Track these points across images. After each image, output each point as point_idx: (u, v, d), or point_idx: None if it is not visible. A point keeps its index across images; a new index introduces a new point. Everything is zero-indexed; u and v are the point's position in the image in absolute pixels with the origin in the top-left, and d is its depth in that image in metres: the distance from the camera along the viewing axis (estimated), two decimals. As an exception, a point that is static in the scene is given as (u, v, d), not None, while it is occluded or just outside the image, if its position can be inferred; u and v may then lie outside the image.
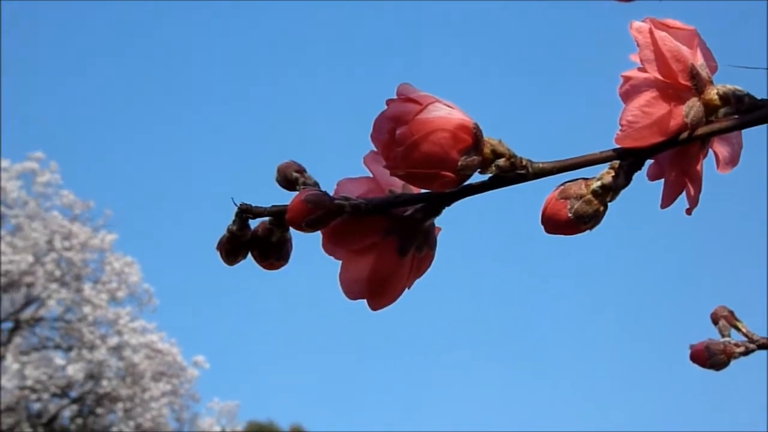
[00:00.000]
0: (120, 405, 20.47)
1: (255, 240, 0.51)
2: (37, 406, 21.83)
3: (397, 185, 0.51)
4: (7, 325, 22.14)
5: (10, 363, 19.39)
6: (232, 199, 0.51)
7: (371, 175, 0.52)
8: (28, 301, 21.53)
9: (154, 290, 21.75)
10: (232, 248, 0.52)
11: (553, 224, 0.49)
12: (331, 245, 0.50)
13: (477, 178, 0.49)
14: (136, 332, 20.85)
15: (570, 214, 0.48)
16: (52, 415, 21.82)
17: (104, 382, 20.10)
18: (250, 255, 0.53)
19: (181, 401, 22.08)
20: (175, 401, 21.94)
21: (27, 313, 21.56)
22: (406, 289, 0.51)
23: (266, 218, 0.53)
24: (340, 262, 0.52)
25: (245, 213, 0.51)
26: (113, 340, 20.11)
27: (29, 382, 19.30)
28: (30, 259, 19.58)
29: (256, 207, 0.51)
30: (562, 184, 0.50)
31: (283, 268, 0.54)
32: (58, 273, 20.14)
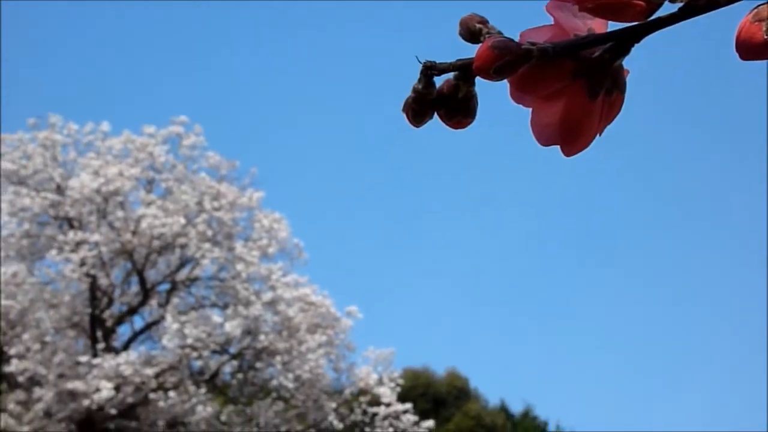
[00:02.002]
0: (278, 358, 20.90)
1: (441, 98, 0.50)
2: (198, 364, 22.47)
3: (582, 29, 0.50)
4: (165, 286, 22.73)
5: (170, 323, 19.96)
6: (416, 57, 0.50)
7: (554, 23, 0.51)
8: (183, 262, 22.10)
9: (304, 244, 22.05)
10: (419, 108, 0.50)
11: (748, 48, 0.47)
12: (520, 93, 0.50)
13: (666, 9, 0.49)
14: (289, 286, 21.21)
15: (766, 36, 0.46)
16: (214, 371, 22.44)
17: (261, 337, 20.54)
18: (436, 115, 0.52)
19: (337, 351, 22.40)
20: (331, 352, 22.30)
21: (182, 274, 22.15)
22: (597, 135, 0.50)
23: (451, 75, 0.51)
24: (530, 109, 0.51)
25: (430, 70, 0.50)
26: (267, 296, 20.51)
27: (189, 341, 19.86)
28: (182, 221, 20.05)
29: (440, 63, 0.50)
30: (756, 8, 0.48)
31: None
32: (209, 233, 20.59)
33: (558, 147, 0.51)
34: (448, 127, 0.52)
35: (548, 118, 0.49)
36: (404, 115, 0.50)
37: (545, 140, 0.50)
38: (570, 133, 0.49)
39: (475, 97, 0.51)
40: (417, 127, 0.51)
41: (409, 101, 0.50)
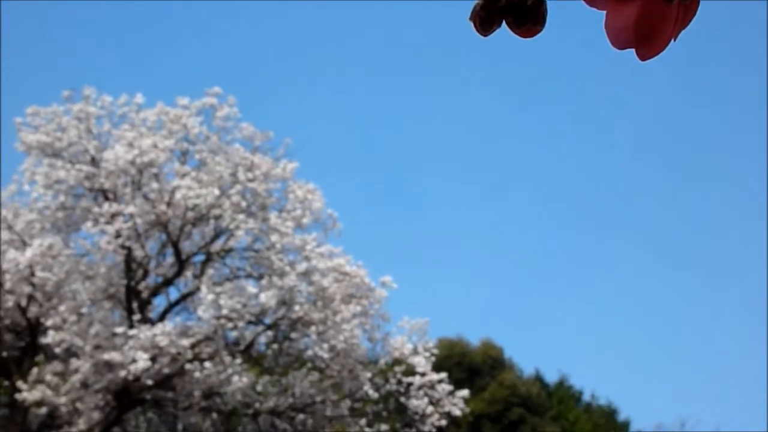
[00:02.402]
0: (313, 328, 20.94)
1: (510, 5, 0.50)
2: (233, 335, 22.52)
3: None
4: (199, 257, 22.79)
5: (205, 294, 20.02)
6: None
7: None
8: (218, 234, 22.13)
9: (338, 215, 22.04)
10: (487, 15, 0.50)
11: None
12: None
13: None
14: (324, 257, 21.21)
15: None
16: (249, 342, 22.50)
17: (296, 307, 20.58)
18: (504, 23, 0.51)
19: (371, 321, 22.42)
20: (366, 322, 22.31)
21: (217, 245, 22.17)
22: (672, 40, 0.49)
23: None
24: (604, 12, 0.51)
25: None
26: (302, 266, 20.53)
27: (224, 312, 19.92)
28: (216, 192, 20.07)
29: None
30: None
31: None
32: (243, 204, 20.61)
33: (633, 50, 0.49)
34: (516, 36, 0.49)
35: (623, 20, 0.48)
36: (471, 24, 0.49)
37: (620, 43, 0.48)
38: (645, 36, 0.48)
39: (544, 4, 0.49)
40: (484, 35, 0.49)
41: (477, 8, 0.49)
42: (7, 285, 21.12)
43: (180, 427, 22.75)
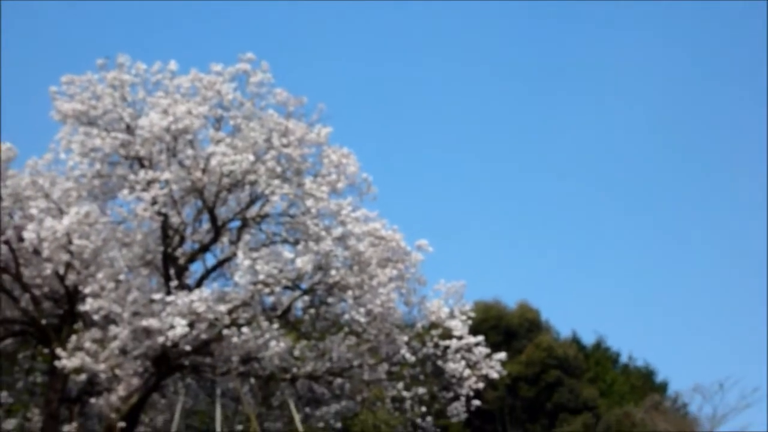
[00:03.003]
0: (349, 293, 20.95)
1: None
2: (270, 300, 22.50)
3: None
4: (235, 223, 22.81)
5: (242, 260, 20.07)
6: None
7: None
8: (253, 199, 22.09)
9: (373, 179, 21.96)
10: None
11: None
12: None
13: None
14: (359, 221, 21.16)
15: None
16: (286, 307, 22.47)
17: (332, 272, 20.60)
18: None
19: (408, 285, 22.49)
20: (402, 286, 22.32)
21: (253, 211, 22.14)
22: None
23: None
24: None
25: None
26: (337, 231, 20.52)
27: (261, 277, 19.95)
28: (251, 158, 20.08)
29: None
30: None
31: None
32: (278, 169, 20.60)
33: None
34: None
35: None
36: None
37: None
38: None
39: None
40: None
41: None
42: (45, 253, 21.30)
43: (218, 392, 22.94)
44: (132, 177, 23.73)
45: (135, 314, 23.48)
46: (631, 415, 66.22)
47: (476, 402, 25.48)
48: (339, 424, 28.05)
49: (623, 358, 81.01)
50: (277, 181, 23.69)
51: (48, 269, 25.06)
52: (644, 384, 70.35)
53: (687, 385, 69.96)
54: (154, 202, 22.99)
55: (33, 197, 24.52)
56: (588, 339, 76.77)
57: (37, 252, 24.24)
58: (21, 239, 24.17)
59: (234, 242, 24.65)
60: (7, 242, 24.17)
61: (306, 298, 26.28)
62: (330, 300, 26.46)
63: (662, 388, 67.43)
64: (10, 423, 26.63)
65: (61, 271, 24.82)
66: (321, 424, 27.33)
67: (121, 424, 24.66)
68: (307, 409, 27.33)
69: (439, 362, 25.19)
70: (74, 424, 27.10)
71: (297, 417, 24.27)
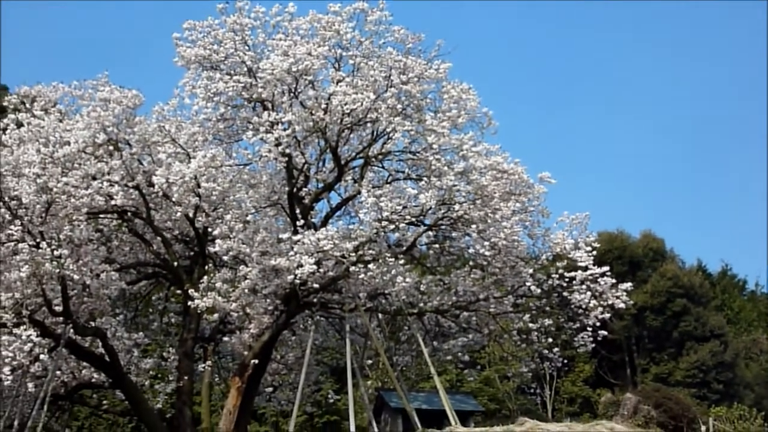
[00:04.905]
0: (473, 227, 21.09)
1: None
2: (395, 236, 22.73)
3: None
4: (358, 162, 23.05)
5: (366, 197, 20.32)
6: None
7: None
8: (375, 137, 22.28)
9: (493, 113, 21.93)
10: None
11: None
12: None
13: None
14: (481, 155, 21.22)
15: None
16: (411, 243, 22.68)
17: (456, 207, 20.75)
18: None
19: (531, 218, 22.56)
20: (525, 218, 22.38)
21: (375, 149, 22.35)
22: None
23: None
24: None
25: None
26: (459, 166, 20.61)
27: (385, 214, 20.19)
28: (371, 96, 20.26)
29: None
30: None
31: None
32: (399, 107, 20.74)
33: None
34: None
35: None
36: None
37: None
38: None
39: None
40: None
41: None
42: (175, 197, 21.85)
43: (347, 328, 23.33)
44: (255, 119, 24.10)
45: (263, 254, 23.96)
46: (759, 342, 65.45)
47: (602, 332, 25.48)
48: (466, 357, 28.34)
49: (750, 285, 79.96)
50: (398, 119, 23.82)
51: (178, 212, 25.68)
52: (772, 311, 69.56)
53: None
54: (277, 143, 23.33)
55: (160, 142, 25.12)
56: (714, 267, 75.85)
57: (166, 196, 24.86)
58: (151, 184, 24.83)
59: (357, 180, 24.88)
60: (137, 187, 24.84)
61: (430, 233, 26.48)
62: (454, 234, 26.62)
63: (790, 314, 66.52)
64: (147, 363, 27.47)
65: (191, 213, 25.41)
66: (449, 358, 27.66)
67: (254, 362, 25.32)
68: (435, 343, 27.63)
69: (565, 293, 25.21)
70: (209, 363, 27.90)
71: (425, 350, 24.57)
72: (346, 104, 22.69)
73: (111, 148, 24.46)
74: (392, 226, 23.08)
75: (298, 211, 24.62)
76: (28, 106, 26.17)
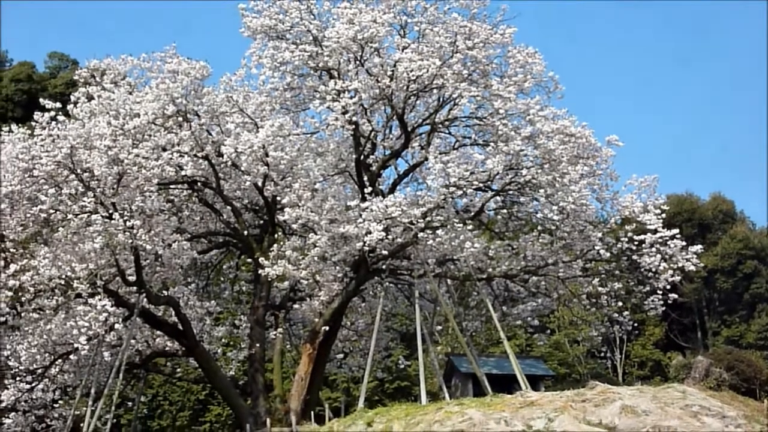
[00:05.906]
0: (541, 191, 21.08)
1: None
2: (463, 202, 22.79)
3: None
4: (425, 128, 23.11)
5: (433, 163, 20.38)
6: None
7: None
8: (441, 103, 22.31)
9: (559, 77, 21.82)
10: None
11: None
12: None
13: None
14: (548, 120, 21.17)
15: None
16: (478, 208, 22.72)
17: (523, 171, 20.76)
18: None
19: (599, 181, 22.48)
20: (594, 182, 22.29)
21: (441, 115, 22.39)
22: None
23: None
24: None
25: None
26: (526, 130, 20.61)
27: (453, 180, 20.25)
28: (437, 62, 20.29)
29: None
30: None
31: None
32: (465, 72, 20.75)
33: None
34: None
35: None
36: None
37: None
38: None
39: None
40: None
41: None
42: (243, 166, 22.07)
43: (416, 294, 23.45)
44: (322, 88, 24.22)
45: (332, 221, 24.13)
46: (833, 303, 64.66)
47: (673, 295, 25.37)
48: (536, 322, 28.37)
49: (823, 246, 79.11)
50: (464, 84, 23.78)
51: (247, 182, 25.95)
52: None
53: None
54: (344, 111, 23.43)
55: (228, 113, 25.37)
56: (785, 227, 75.17)
57: (235, 165, 25.13)
58: (220, 154, 25.10)
59: (424, 147, 24.92)
60: (206, 157, 25.12)
61: (498, 198, 26.47)
62: (522, 199, 26.59)
63: None
64: (219, 330, 27.88)
65: (260, 182, 25.65)
66: (518, 322, 27.71)
67: (325, 328, 25.55)
68: (504, 308, 27.68)
69: (634, 257, 25.09)
70: (280, 330, 28.23)
71: (494, 315, 24.62)
72: (411, 71, 22.71)
73: (180, 119, 24.77)
74: (460, 192, 23.10)
75: (365, 178, 24.74)
76: (98, 79, 26.60)
